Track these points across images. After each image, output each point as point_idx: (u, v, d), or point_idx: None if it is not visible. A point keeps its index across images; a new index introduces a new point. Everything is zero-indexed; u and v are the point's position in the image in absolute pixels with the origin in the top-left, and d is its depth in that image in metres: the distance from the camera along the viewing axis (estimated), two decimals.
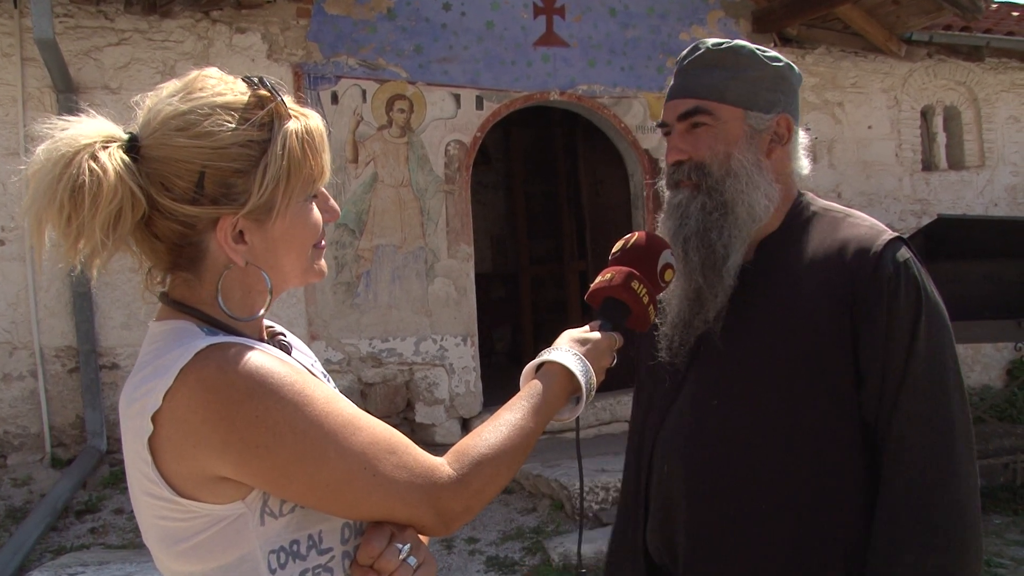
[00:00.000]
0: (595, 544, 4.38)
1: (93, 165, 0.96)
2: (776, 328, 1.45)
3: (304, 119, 1.06)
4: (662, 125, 1.56)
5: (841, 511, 1.42)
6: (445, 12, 6.36)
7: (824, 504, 1.42)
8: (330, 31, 6.06)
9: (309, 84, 5.96)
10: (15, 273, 5.46)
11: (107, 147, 0.98)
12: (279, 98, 1.03)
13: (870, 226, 1.49)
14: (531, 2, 6.61)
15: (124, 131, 1.02)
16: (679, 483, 1.51)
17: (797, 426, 1.42)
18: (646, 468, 1.60)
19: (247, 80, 1.04)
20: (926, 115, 8.09)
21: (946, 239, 5.50)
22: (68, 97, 5.36)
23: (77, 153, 0.97)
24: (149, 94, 1.05)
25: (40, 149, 0.99)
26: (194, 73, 1.05)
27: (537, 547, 4.76)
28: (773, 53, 1.53)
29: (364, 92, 6.13)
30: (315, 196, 1.09)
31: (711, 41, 1.52)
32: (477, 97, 6.45)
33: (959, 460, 1.36)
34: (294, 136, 1.03)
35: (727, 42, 1.51)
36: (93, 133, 0.99)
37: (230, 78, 1.05)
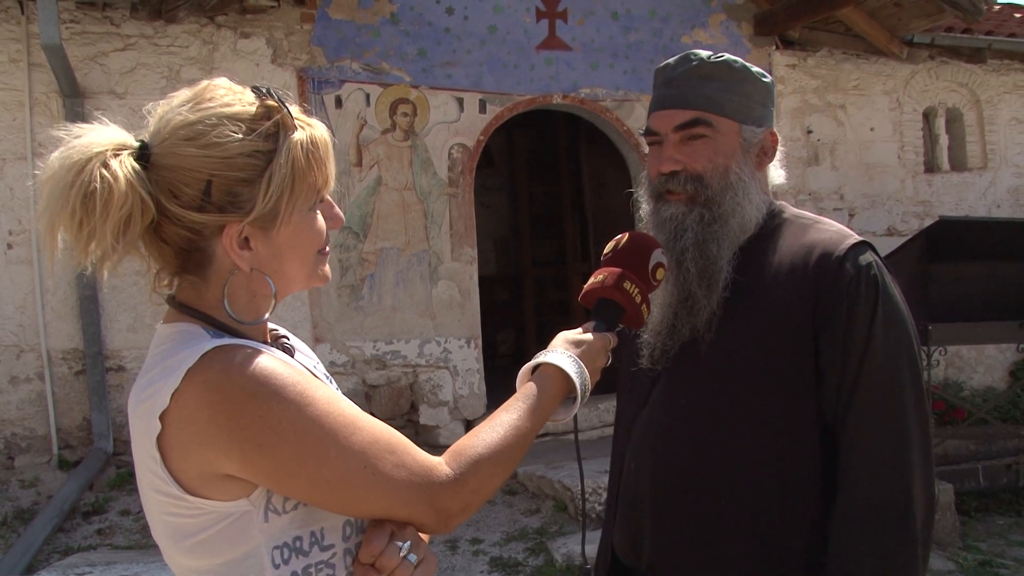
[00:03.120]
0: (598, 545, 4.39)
1: (104, 172, 0.99)
2: (745, 331, 1.47)
3: (309, 129, 1.08)
4: (650, 134, 1.57)
5: (801, 510, 1.44)
6: (448, 16, 6.39)
7: (784, 503, 1.44)
8: (334, 36, 6.09)
9: (313, 88, 6.00)
10: (23, 276, 5.50)
11: (118, 155, 1.01)
12: (285, 109, 1.06)
13: (836, 231, 1.51)
14: (533, 6, 6.64)
15: (135, 139, 1.05)
16: (645, 481, 1.53)
17: (761, 425, 1.44)
18: (618, 467, 1.62)
19: (255, 90, 1.07)
20: (928, 117, 8.10)
21: (948, 241, 5.50)
22: (75, 102, 5.41)
23: (89, 160, 1.00)
24: (160, 103, 1.08)
25: (54, 156, 1.02)
26: (204, 83, 1.08)
27: (540, 548, 4.79)
28: (759, 69, 1.56)
29: (368, 96, 6.16)
30: (320, 203, 1.12)
31: (703, 53, 1.54)
32: (480, 100, 6.48)
33: (912, 461, 1.37)
34: (298, 147, 1.05)
35: (720, 55, 1.53)
36: (105, 141, 1.02)
37: (239, 88, 1.08)
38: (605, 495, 1.82)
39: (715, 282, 1.48)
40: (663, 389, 1.54)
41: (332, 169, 1.12)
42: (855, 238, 1.48)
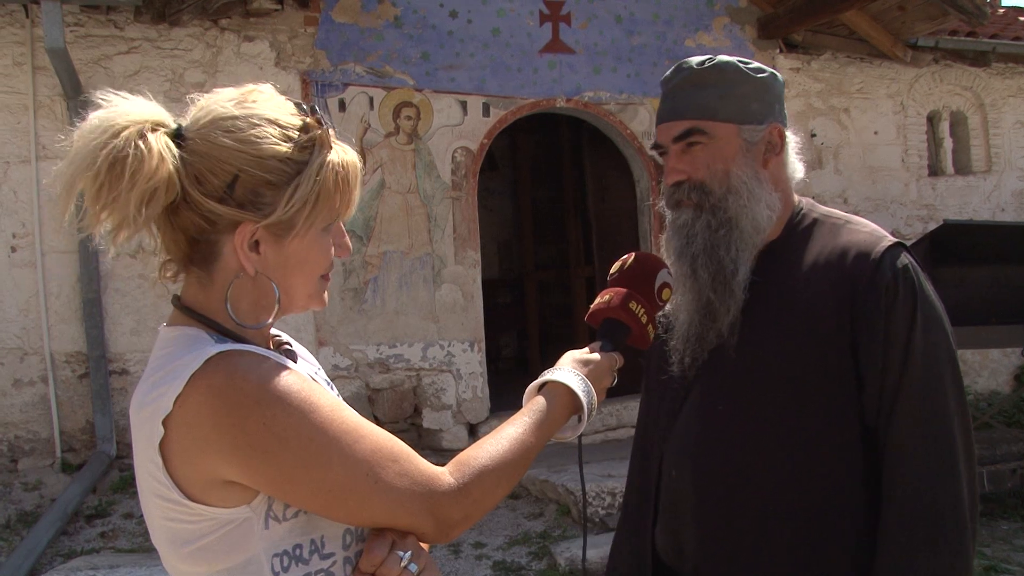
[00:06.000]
0: (601, 549, 4.39)
1: (140, 143, 1.00)
2: (780, 334, 1.47)
3: (343, 155, 1.10)
4: (657, 147, 1.58)
5: (845, 512, 1.44)
6: (451, 19, 6.40)
7: (828, 505, 1.44)
8: (337, 39, 6.10)
9: (317, 92, 6.01)
10: (26, 279, 5.51)
11: (156, 130, 1.03)
12: (325, 126, 1.08)
13: (870, 232, 1.51)
14: (537, 9, 6.65)
15: (173, 120, 1.06)
16: (687, 487, 1.54)
17: (801, 430, 1.44)
18: (655, 473, 1.62)
19: (297, 104, 1.09)
20: (932, 120, 8.09)
21: (952, 244, 5.49)
22: (79, 105, 5.42)
23: (126, 127, 1.01)
24: (204, 95, 1.10)
25: (92, 115, 1.03)
26: (250, 86, 1.09)
27: (544, 552, 4.78)
28: (756, 65, 1.55)
29: (371, 99, 6.17)
30: (333, 228, 1.13)
31: (694, 60, 1.54)
32: (483, 104, 6.49)
33: (957, 462, 1.38)
34: (331, 167, 1.07)
35: (710, 60, 1.53)
36: (146, 113, 1.04)
37: (281, 98, 1.10)
38: (621, 498, 1.82)
39: (730, 286, 1.48)
40: (699, 396, 1.55)
41: (357, 196, 1.13)
42: (890, 239, 1.48)
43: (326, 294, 1.18)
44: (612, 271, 1.47)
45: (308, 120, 1.07)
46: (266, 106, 1.06)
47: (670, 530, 1.59)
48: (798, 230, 1.55)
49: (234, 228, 1.05)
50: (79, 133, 1.02)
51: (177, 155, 1.03)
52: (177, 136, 1.04)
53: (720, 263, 1.48)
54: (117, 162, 0.99)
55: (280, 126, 1.05)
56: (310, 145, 1.06)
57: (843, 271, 1.45)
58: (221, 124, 1.04)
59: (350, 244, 1.17)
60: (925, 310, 1.42)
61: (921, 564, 1.35)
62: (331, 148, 1.08)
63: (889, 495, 1.40)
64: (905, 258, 1.45)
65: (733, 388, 1.50)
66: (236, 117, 1.04)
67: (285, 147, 1.04)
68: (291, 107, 1.08)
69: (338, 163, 1.08)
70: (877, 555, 1.40)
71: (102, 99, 1.04)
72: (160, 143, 1.01)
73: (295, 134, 1.05)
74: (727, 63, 1.52)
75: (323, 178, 1.06)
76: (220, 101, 1.07)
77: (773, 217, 1.53)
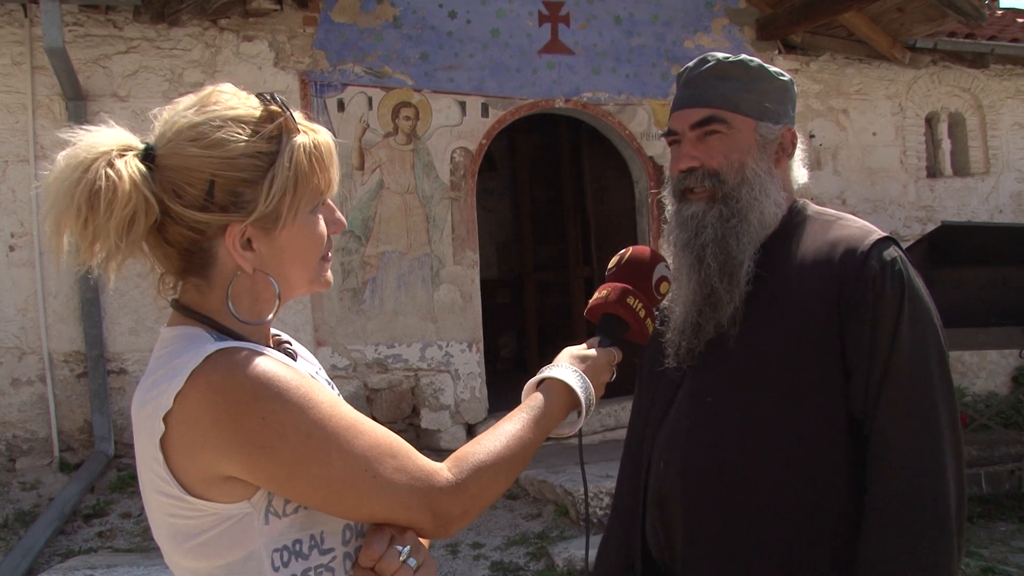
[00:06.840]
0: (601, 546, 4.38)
1: (109, 171, 1.01)
2: (772, 329, 1.48)
3: (313, 134, 1.10)
4: (670, 134, 1.59)
5: (832, 505, 1.45)
6: (451, 20, 6.40)
7: (815, 497, 1.45)
8: (336, 39, 6.10)
9: (316, 92, 6.01)
10: (24, 279, 5.51)
11: (123, 155, 1.03)
12: (288, 113, 1.08)
13: (860, 227, 1.53)
14: (536, 10, 6.65)
15: (140, 141, 1.07)
16: (675, 479, 1.54)
17: (791, 425, 1.45)
18: (645, 466, 1.63)
19: (259, 96, 1.09)
20: (931, 122, 8.10)
21: (951, 246, 5.49)
22: (77, 105, 5.42)
23: (95, 159, 1.02)
24: (166, 107, 1.10)
25: (60, 155, 1.03)
26: (209, 88, 1.09)
27: (542, 552, 4.78)
28: (776, 68, 1.59)
29: (370, 100, 6.17)
30: (322, 206, 1.13)
31: (719, 54, 1.57)
32: (482, 104, 6.49)
33: (943, 454, 1.39)
34: (302, 150, 1.07)
35: (736, 56, 1.56)
36: (111, 142, 1.04)
37: (243, 93, 1.09)
38: (614, 495, 1.82)
39: (736, 277, 1.49)
40: (689, 388, 1.56)
41: (335, 173, 1.13)
42: (879, 233, 1.50)
43: (329, 273, 1.18)
44: (610, 265, 1.47)
45: (272, 108, 1.07)
46: (226, 105, 1.06)
47: (659, 523, 1.60)
48: (791, 227, 1.57)
49: (223, 232, 1.05)
50: (52, 177, 1.02)
51: (148, 175, 1.03)
52: (147, 154, 1.05)
53: (729, 253, 1.50)
54: (93, 195, 1.00)
55: (244, 122, 1.05)
56: (277, 134, 1.06)
57: (832, 266, 1.47)
58: (186, 134, 1.04)
59: (343, 219, 1.17)
60: (913, 302, 1.43)
61: (903, 558, 1.36)
62: (299, 131, 1.08)
63: (873, 487, 1.40)
64: (893, 251, 1.47)
65: (723, 381, 1.51)
66: (199, 124, 1.04)
67: (253, 142, 1.04)
68: (253, 100, 1.08)
69: (309, 144, 1.08)
70: (859, 547, 1.40)
71: (70, 134, 1.04)
72: (130, 167, 1.02)
73: (261, 126, 1.05)
74: (752, 60, 1.55)
75: (296, 162, 1.06)
76: (181, 111, 1.07)
77: (779, 215, 1.55)
